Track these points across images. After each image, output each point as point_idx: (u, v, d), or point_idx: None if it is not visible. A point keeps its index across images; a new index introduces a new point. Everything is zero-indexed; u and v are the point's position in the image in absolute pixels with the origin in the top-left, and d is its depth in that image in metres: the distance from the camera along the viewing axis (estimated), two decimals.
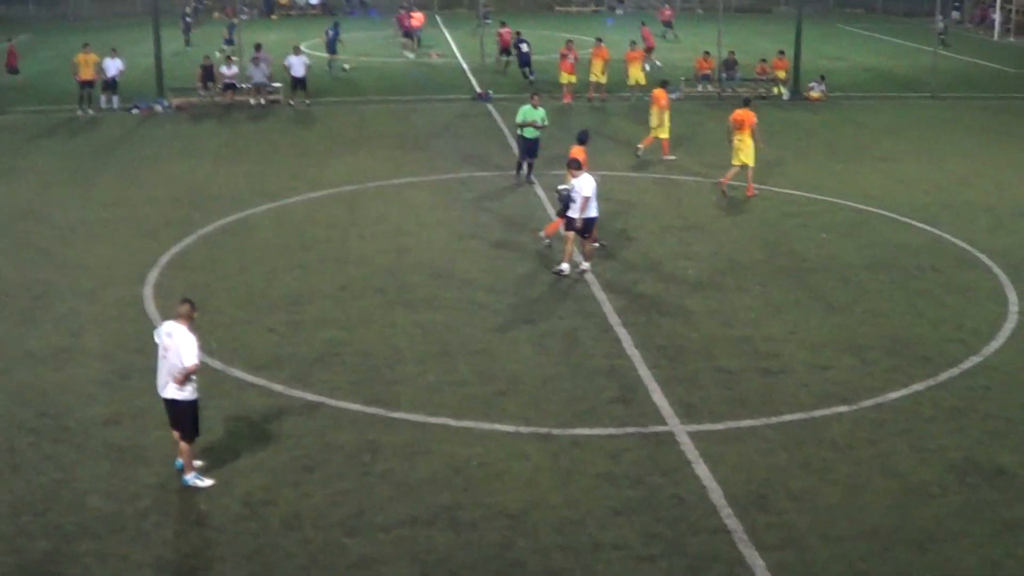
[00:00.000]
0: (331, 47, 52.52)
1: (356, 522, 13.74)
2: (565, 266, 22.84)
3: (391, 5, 72.17)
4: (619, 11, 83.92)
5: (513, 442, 15.74)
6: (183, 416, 14.38)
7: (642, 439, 15.87)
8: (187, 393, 14.29)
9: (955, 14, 78.68)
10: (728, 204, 28.40)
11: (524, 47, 49.04)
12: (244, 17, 59.56)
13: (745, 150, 28.92)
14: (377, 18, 72.10)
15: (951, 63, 55.74)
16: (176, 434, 14.55)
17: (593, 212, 22.76)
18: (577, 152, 24.39)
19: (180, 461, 14.64)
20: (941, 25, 61.63)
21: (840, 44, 65.20)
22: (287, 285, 22.17)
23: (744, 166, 29.04)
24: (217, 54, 50.28)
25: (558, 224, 23.75)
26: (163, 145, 35.96)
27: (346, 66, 52.81)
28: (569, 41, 45.44)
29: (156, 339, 14.59)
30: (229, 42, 55.62)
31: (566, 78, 43.79)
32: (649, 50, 55.00)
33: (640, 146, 33.60)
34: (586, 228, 22.83)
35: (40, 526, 13.59)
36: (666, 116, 33.29)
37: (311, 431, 16.01)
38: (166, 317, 19.77)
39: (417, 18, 60.75)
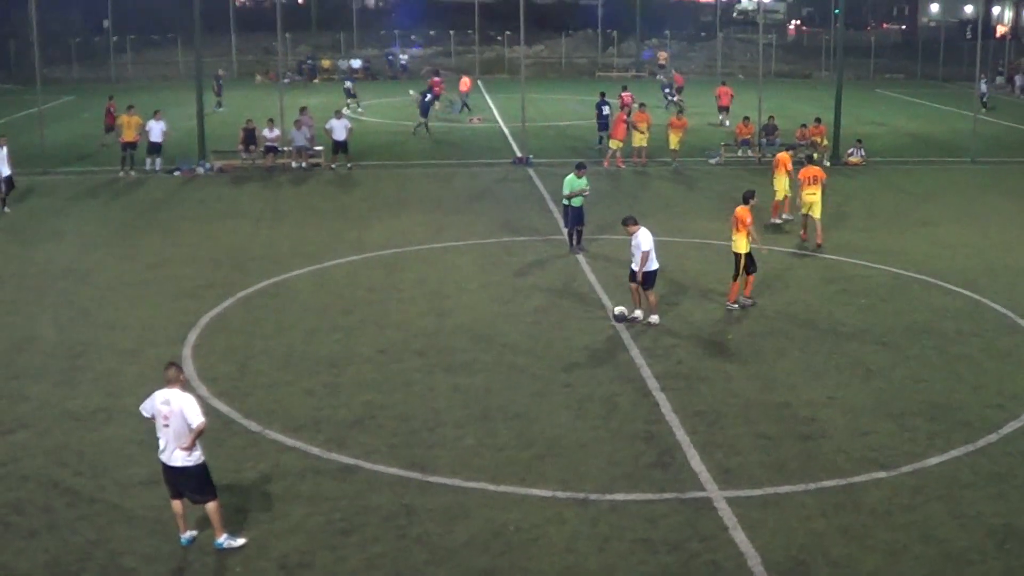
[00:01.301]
0: (424, 110, 53.58)
1: None
2: (638, 312, 23.83)
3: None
4: (659, 76, 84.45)
5: (551, 507, 15.66)
6: (196, 481, 14.29)
7: (680, 504, 15.77)
8: (196, 457, 14.20)
9: (999, 79, 78.80)
10: (769, 268, 28.32)
11: (606, 109, 48.78)
12: (287, 82, 60.27)
13: (817, 203, 30.60)
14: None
15: (991, 127, 55.60)
16: (178, 505, 14.46)
17: (654, 265, 23.59)
18: (743, 212, 24.67)
19: (187, 536, 14.55)
20: (983, 88, 61.68)
21: (879, 109, 65.26)
22: (326, 347, 22.23)
23: (812, 217, 30.79)
24: (346, 109, 52.89)
25: (737, 288, 24.93)
26: (204, 207, 36.30)
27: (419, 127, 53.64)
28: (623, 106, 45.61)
29: (145, 413, 14.41)
30: (351, 94, 61.31)
31: (615, 144, 43.99)
32: (723, 108, 55.90)
33: (785, 215, 33.93)
34: (648, 281, 23.56)
35: None
36: (787, 180, 33.57)
37: (348, 494, 15.98)
38: (205, 378, 20.10)
39: (464, 83, 61.82)
